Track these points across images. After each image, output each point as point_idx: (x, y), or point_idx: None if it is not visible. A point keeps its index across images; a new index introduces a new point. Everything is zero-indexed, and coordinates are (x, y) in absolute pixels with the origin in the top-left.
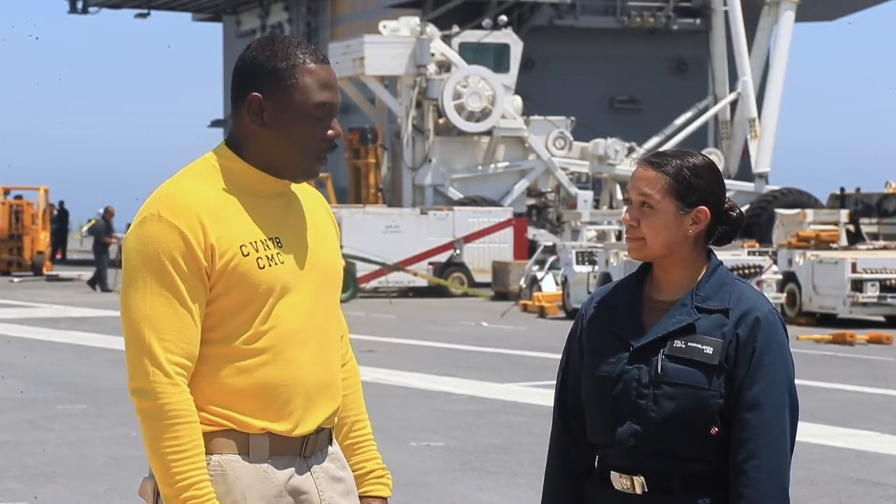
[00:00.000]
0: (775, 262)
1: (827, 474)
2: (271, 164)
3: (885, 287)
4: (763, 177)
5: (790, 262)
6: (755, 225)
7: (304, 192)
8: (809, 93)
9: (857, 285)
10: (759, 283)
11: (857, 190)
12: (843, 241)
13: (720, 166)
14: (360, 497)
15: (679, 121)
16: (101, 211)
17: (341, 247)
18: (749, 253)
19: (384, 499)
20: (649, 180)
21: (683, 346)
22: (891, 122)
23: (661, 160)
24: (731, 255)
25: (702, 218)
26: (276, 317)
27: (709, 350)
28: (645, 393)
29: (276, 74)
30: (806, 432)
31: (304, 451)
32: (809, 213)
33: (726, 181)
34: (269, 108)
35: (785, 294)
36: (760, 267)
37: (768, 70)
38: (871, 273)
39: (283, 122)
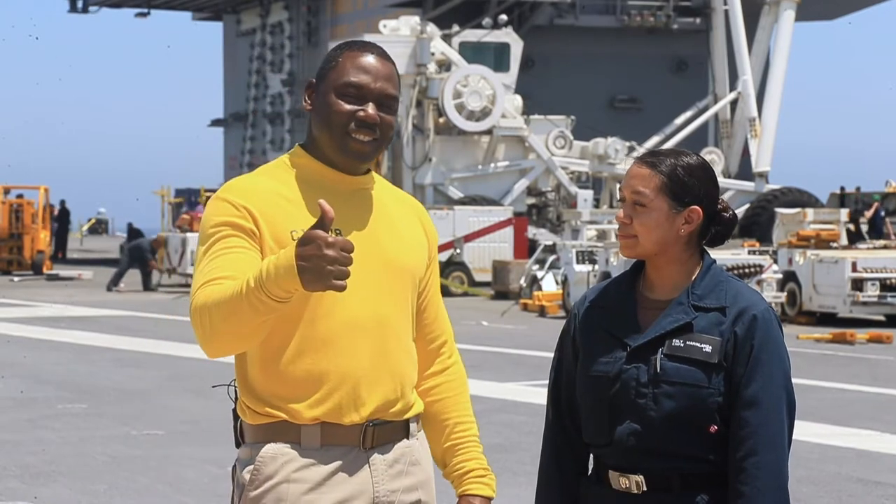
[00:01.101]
0: (775, 262)
1: (828, 474)
2: (322, 151)
3: (886, 286)
4: (763, 176)
5: (790, 261)
6: (755, 224)
7: (397, 198)
8: (810, 92)
9: (858, 284)
10: (759, 283)
11: (858, 189)
12: (844, 241)
13: (720, 166)
14: (461, 496)
15: (679, 120)
16: (152, 237)
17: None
18: (749, 252)
19: (485, 498)
20: (643, 178)
21: (682, 344)
22: (891, 122)
23: (655, 159)
24: (732, 255)
25: (694, 218)
26: (330, 305)
27: (707, 348)
28: (644, 392)
29: (327, 59)
30: (807, 432)
31: (363, 442)
32: (810, 212)
33: (727, 180)
34: (316, 89)
35: (785, 293)
36: (761, 266)
37: (768, 69)
38: (872, 272)
39: (320, 100)
